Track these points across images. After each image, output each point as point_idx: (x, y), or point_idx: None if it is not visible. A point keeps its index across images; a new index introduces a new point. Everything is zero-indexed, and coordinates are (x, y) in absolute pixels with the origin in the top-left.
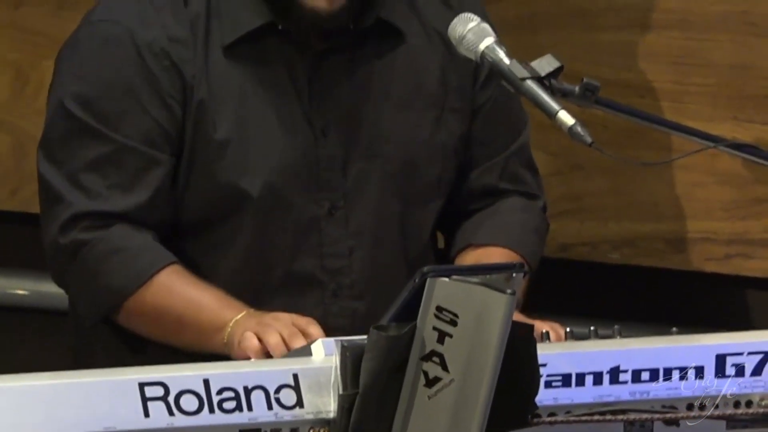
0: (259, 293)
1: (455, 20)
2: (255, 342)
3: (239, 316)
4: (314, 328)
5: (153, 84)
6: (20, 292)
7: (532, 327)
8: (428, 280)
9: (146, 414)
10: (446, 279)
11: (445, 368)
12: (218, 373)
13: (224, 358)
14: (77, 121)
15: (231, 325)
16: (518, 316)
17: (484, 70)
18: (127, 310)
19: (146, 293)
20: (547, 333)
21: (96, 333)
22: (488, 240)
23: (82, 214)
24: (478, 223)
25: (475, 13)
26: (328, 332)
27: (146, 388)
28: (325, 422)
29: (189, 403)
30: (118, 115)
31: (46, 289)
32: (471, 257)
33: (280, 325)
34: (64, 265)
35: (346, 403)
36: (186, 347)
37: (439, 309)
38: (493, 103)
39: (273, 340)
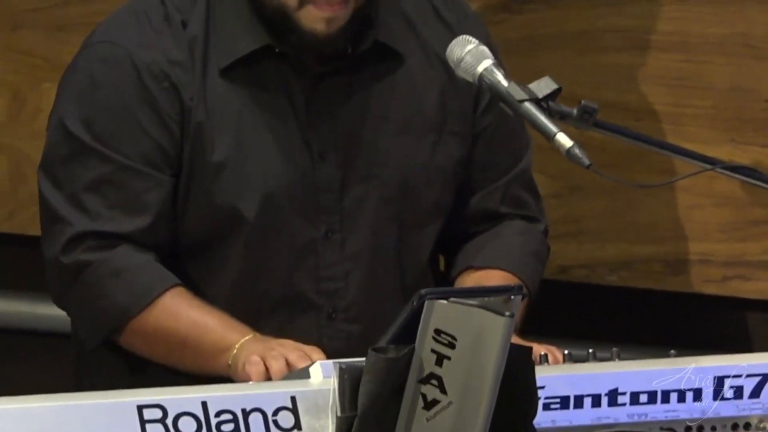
0: (256, 314)
1: (453, 42)
2: (261, 368)
3: (245, 339)
4: (318, 356)
5: (152, 105)
6: (17, 313)
7: (530, 349)
8: (426, 302)
9: None
10: (444, 301)
11: (443, 391)
12: (216, 395)
13: (225, 380)
14: (78, 141)
15: (237, 347)
16: (516, 340)
17: (485, 94)
18: (130, 332)
19: (150, 315)
20: (546, 355)
21: (97, 355)
22: (488, 263)
23: (84, 233)
24: (478, 246)
25: (477, 34)
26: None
27: (145, 411)
28: None
29: (187, 425)
30: (119, 136)
31: (43, 311)
32: (470, 280)
33: (286, 351)
34: (66, 286)
35: (344, 426)
36: (188, 369)
37: (437, 331)
38: (495, 127)
39: (276, 366)
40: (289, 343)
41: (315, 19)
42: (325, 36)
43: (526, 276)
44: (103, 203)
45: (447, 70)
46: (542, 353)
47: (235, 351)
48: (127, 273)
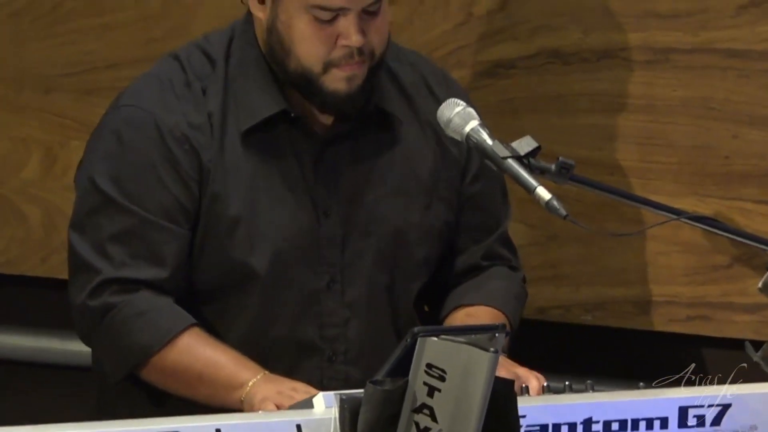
0: (264, 357)
1: (443, 105)
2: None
3: (257, 378)
4: None
5: (174, 165)
6: (48, 349)
7: (512, 382)
8: (419, 339)
9: None
10: (435, 338)
11: (434, 419)
12: (229, 423)
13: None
14: (105, 196)
15: (250, 385)
16: (506, 361)
17: (472, 166)
18: (150, 367)
19: (169, 352)
20: (527, 387)
21: (118, 388)
22: (476, 301)
23: (110, 280)
24: (466, 289)
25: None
26: None
27: None
28: None
29: None
30: (142, 192)
31: (72, 347)
32: (461, 315)
33: (299, 396)
34: (92, 326)
35: None
36: (202, 402)
37: (429, 366)
38: (481, 196)
39: None
40: (300, 388)
41: (337, 79)
42: (346, 94)
43: (509, 313)
44: (127, 252)
45: (438, 140)
46: (523, 385)
47: (248, 388)
48: (148, 314)
